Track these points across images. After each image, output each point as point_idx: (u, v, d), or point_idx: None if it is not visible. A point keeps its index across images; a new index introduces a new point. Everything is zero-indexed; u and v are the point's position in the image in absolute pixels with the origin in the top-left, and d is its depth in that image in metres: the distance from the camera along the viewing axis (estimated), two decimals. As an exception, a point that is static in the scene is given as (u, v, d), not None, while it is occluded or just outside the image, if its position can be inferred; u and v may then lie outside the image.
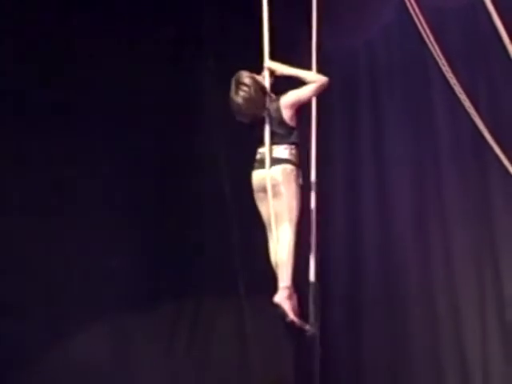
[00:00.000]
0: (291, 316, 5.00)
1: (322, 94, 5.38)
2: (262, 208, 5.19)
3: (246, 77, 5.21)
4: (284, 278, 5.03)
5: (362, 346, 8.31)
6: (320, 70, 5.44)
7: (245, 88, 5.17)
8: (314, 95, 5.32)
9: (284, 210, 5.05)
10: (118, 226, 7.85)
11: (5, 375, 7.31)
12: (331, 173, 8.20)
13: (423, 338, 8.10)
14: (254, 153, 5.29)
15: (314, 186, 5.42)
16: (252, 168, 5.24)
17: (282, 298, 5.02)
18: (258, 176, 5.18)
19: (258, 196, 5.19)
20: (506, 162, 6.94)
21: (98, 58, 7.79)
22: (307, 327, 5.19)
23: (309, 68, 5.49)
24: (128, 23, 7.99)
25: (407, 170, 8.37)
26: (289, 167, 5.11)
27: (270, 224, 5.13)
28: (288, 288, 5.03)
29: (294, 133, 5.18)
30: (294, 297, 5.11)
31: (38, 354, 7.48)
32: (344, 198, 8.52)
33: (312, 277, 5.35)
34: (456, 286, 8.03)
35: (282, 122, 5.16)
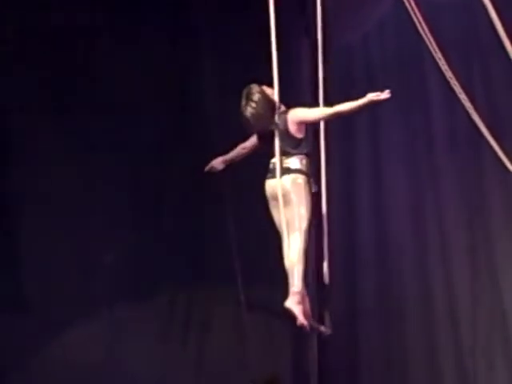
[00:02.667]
0: (302, 320, 5.10)
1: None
2: (275, 215, 5.32)
3: (255, 92, 5.35)
4: (294, 282, 5.14)
5: (359, 346, 8.31)
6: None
7: (253, 104, 5.31)
8: (322, 119, 5.43)
9: (294, 218, 5.19)
10: (113, 222, 7.87)
11: (4, 371, 7.33)
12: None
13: (420, 339, 8.12)
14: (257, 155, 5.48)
15: (324, 192, 5.59)
16: (264, 177, 5.36)
17: (293, 302, 5.12)
18: (270, 185, 5.32)
19: (271, 204, 5.33)
20: (502, 155, 6.95)
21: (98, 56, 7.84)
22: (323, 328, 5.45)
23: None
24: (127, 23, 8.02)
25: (404, 165, 8.38)
26: (299, 177, 5.24)
27: (282, 231, 5.24)
28: (299, 293, 5.13)
29: (302, 144, 5.31)
30: (306, 300, 5.25)
31: (33, 350, 7.49)
32: (340, 197, 8.45)
33: (327, 279, 5.54)
34: (453, 286, 8.06)
35: (288, 134, 5.29)
